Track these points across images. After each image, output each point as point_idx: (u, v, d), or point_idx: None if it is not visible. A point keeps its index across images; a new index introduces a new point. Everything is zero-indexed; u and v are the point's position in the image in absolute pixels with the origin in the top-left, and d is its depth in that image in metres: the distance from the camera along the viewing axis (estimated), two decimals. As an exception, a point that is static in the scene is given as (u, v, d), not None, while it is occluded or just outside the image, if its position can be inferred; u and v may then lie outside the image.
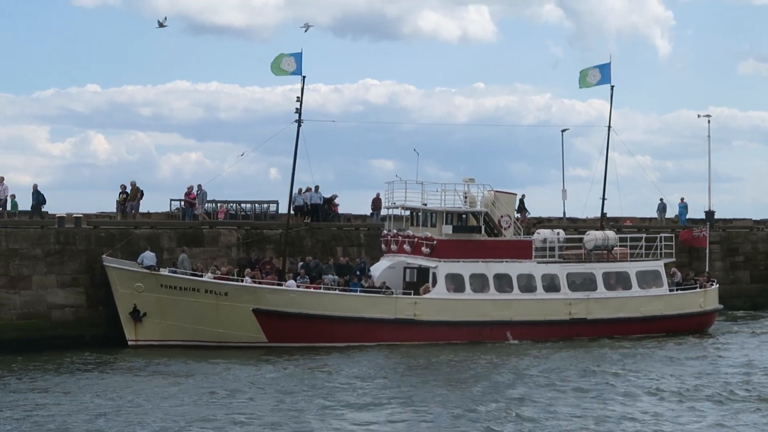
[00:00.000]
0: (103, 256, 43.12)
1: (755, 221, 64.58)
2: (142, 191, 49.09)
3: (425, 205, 46.30)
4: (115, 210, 49.36)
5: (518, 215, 57.91)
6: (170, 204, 51.32)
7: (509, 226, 46.53)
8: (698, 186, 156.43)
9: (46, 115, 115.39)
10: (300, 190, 50.69)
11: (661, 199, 61.36)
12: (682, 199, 61.42)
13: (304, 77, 46.35)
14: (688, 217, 60.54)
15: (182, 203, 50.18)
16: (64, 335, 42.56)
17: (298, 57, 46.24)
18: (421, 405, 30.88)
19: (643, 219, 61.62)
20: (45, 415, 29.24)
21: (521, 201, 59.09)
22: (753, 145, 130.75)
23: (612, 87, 51.54)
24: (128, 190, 48.98)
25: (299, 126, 45.95)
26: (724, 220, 62.56)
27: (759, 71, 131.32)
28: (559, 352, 41.96)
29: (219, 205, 50.63)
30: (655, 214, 61.64)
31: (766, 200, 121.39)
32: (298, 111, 46.05)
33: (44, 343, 41.58)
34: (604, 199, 52.10)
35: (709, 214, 61.13)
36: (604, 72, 51.10)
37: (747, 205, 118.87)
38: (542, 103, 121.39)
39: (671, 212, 61.24)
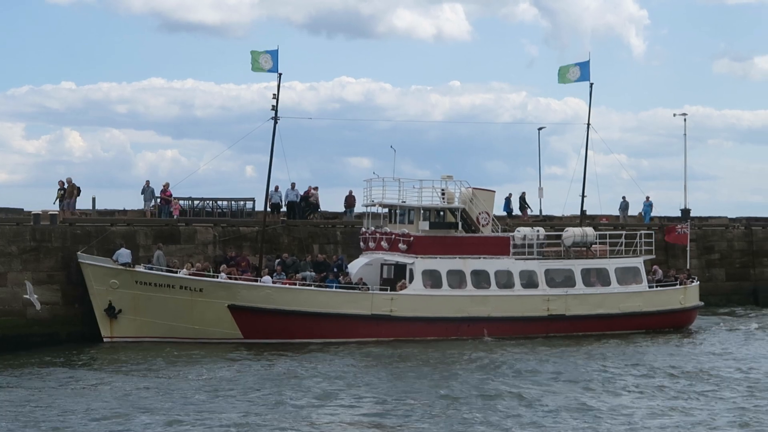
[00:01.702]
0: (79, 253, 43.00)
1: (730, 219, 64.43)
2: (79, 188, 48.65)
3: (403, 202, 46.25)
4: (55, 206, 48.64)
5: (519, 213, 58.42)
6: (155, 201, 50.84)
7: (487, 223, 46.47)
8: (674, 184, 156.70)
9: (21, 113, 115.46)
10: (276, 188, 50.62)
11: (624, 198, 61.64)
12: (647, 198, 61.48)
13: (280, 74, 46.44)
14: (663, 215, 60.43)
15: (158, 200, 50.13)
16: (39, 333, 42.57)
17: (274, 54, 46.26)
18: (393, 400, 30.81)
19: (618, 217, 61.53)
20: (16, 411, 29.11)
21: (522, 198, 59.48)
22: (728, 143, 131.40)
23: (591, 84, 51.51)
24: (66, 186, 48.53)
25: (275, 123, 45.97)
26: (700, 218, 62.47)
27: (733, 70, 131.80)
28: (536, 348, 41.81)
29: (173, 201, 50.04)
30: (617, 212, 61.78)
31: (741, 198, 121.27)
32: (275, 108, 46.06)
33: (19, 340, 41.53)
34: (583, 196, 52.08)
35: (685, 212, 60.98)
36: (584, 69, 50.97)
37: (722, 204, 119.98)
38: (518, 101, 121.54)
39: (633, 210, 61.44)
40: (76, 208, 48.56)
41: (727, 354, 41.13)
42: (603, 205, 59.10)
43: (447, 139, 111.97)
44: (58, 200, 48.28)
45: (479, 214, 46.26)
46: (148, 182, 51.32)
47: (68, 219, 46.08)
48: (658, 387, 33.26)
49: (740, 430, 27.52)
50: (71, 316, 43.47)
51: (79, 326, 43.20)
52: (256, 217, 50.44)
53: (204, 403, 30.27)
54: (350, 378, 34.79)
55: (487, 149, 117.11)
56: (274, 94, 46.09)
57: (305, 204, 52.18)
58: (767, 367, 37.45)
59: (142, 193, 51.66)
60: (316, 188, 53.56)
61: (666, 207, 58.75)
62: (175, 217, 48.89)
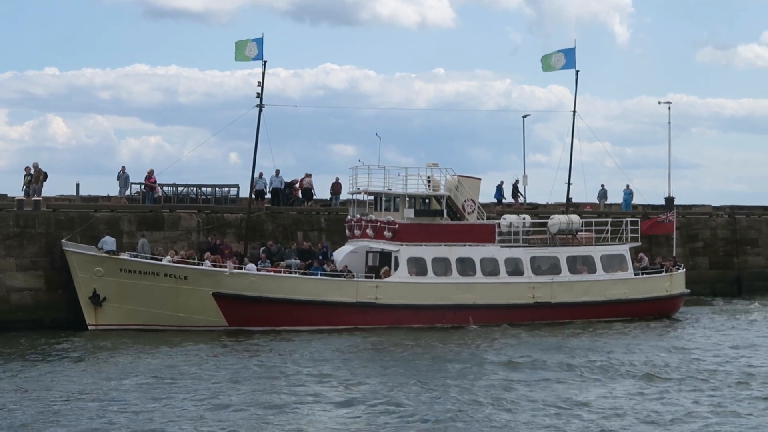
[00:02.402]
0: (63, 240, 43.18)
1: (714, 207, 65.02)
2: (45, 173, 48.50)
3: (389, 189, 46.53)
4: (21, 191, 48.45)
5: (512, 200, 58.70)
6: (130, 188, 51.37)
7: (473, 211, 46.76)
8: (658, 172, 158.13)
9: (4, 99, 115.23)
10: (261, 175, 50.81)
11: (602, 186, 62.27)
12: (627, 186, 61.86)
13: (265, 62, 46.92)
14: (647, 203, 61.01)
15: (142, 187, 50.32)
16: (23, 318, 43.12)
17: (259, 42, 46.71)
18: (377, 387, 31.07)
19: (609, 205, 62.08)
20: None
21: (515, 186, 59.77)
22: (712, 132, 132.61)
23: (577, 72, 51.69)
24: (32, 172, 48.43)
25: (260, 110, 46.33)
26: (684, 207, 62.98)
27: (717, 59, 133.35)
28: (520, 335, 42.19)
29: (156, 188, 50.27)
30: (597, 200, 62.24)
31: (724, 187, 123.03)
32: (260, 96, 46.40)
33: (3, 326, 41.90)
34: (569, 184, 52.57)
35: (669, 200, 61.72)
36: (569, 56, 51.04)
37: (706, 192, 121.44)
38: (502, 89, 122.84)
39: (613, 198, 62.06)
40: (42, 194, 48.11)
41: (711, 341, 41.62)
42: (588, 192, 59.55)
43: (431, 126, 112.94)
44: (25, 186, 48.19)
45: (465, 201, 46.55)
46: (123, 168, 51.65)
47: (52, 205, 46.18)
48: (630, 373, 33.61)
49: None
50: (54, 302, 43.76)
51: (63, 312, 43.46)
52: (240, 203, 50.76)
53: (178, 390, 30.40)
54: (334, 365, 34.98)
55: (472, 137, 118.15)
56: (259, 82, 46.49)
57: (289, 191, 52.45)
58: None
59: (117, 179, 51.79)
60: (309, 175, 53.91)
61: (650, 195, 59.33)
62: (156, 196, 49.10)
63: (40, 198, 45.61)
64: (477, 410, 28.02)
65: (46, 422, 26.49)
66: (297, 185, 53.12)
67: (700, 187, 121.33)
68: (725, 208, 64.82)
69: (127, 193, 51.34)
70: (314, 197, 53.67)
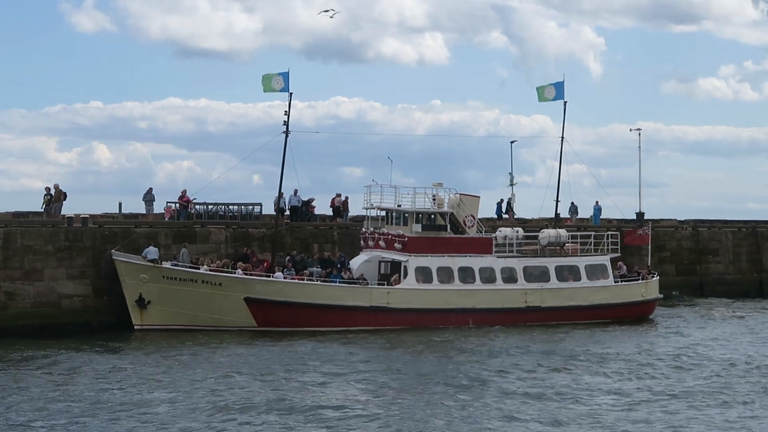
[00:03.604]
0: (112, 251, 46.87)
1: (679, 221, 69.24)
2: (65, 193, 51.47)
3: (399, 206, 50.16)
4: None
5: (506, 215, 62.43)
6: (166, 206, 55.09)
7: (473, 225, 50.42)
8: (629, 191, 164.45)
9: (54, 128, 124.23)
10: (281, 194, 53.91)
11: (572, 203, 65.74)
12: (596, 202, 65.57)
13: (291, 94, 50.80)
14: (621, 218, 64.54)
15: (177, 205, 54.13)
16: (73, 322, 46.43)
17: (285, 76, 50.55)
18: (387, 380, 34.97)
19: (581, 219, 65.87)
20: (60, 391, 33.09)
21: (508, 203, 63.51)
22: (676, 155, 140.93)
23: (565, 103, 56.17)
24: (52, 192, 51.28)
25: (287, 136, 50.31)
26: (653, 220, 65.97)
27: (679, 91, 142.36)
28: (513, 335, 46.12)
29: (190, 205, 54.19)
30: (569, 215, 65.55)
31: (688, 203, 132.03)
32: (286, 123, 50.33)
33: (56, 329, 45.44)
34: (557, 201, 56.22)
35: (640, 215, 64.82)
36: (558, 89, 55.73)
37: (672, 207, 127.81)
38: (492, 117, 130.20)
39: (583, 214, 65.61)
40: (62, 212, 51.11)
41: (683, 337, 46.57)
42: (565, 208, 63.48)
43: (429, 151, 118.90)
44: (45, 205, 50.74)
45: (465, 217, 50.15)
46: (150, 189, 55.98)
47: (98, 221, 50.00)
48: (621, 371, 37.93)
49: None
50: (101, 307, 47.43)
51: (108, 316, 47.18)
52: (263, 219, 54.58)
53: (221, 381, 34.61)
54: (350, 361, 38.90)
55: (465, 160, 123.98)
56: (285, 111, 50.35)
57: (306, 208, 56.31)
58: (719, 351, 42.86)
59: (143, 199, 55.86)
60: (339, 195, 58.13)
61: (623, 210, 63.04)
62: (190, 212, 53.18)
63: (87, 215, 49.28)
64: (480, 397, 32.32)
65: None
66: (317, 203, 57.07)
67: (666, 203, 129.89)
68: (689, 221, 69.12)
69: (154, 211, 55.17)
70: (347, 214, 57.30)
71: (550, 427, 28.51)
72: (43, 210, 50.96)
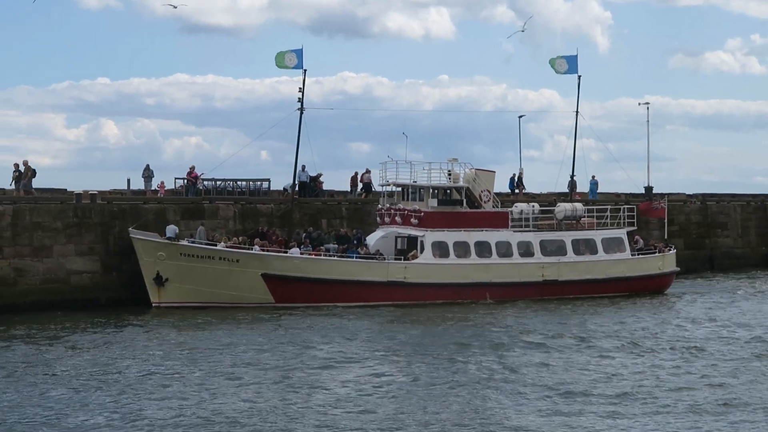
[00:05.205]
0: (130, 228, 46.50)
1: (688, 195, 69.41)
2: (34, 170, 50.53)
3: (414, 182, 49.99)
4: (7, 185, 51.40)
5: (516, 191, 61.98)
6: (174, 182, 54.99)
7: (489, 200, 50.22)
8: (637, 165, 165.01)
9: (62, 105, 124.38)
10: (303, 168, 54.30)
11: (572, 176, 64.05)
12: (593, 177, 65.24)
13: (305, 71, 50.69)
14: (629, 192, 64.50)
15: (185, 181, 53.88)
16: (82, 298, 46.38)
17: (299, 53, 50.34)
18: (405, 354, 34.94)
19: (578, 194, 64.76)
20: (68, 364, 33.00)
21: (519, 177, 62.96)
22: (684, 129, 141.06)
23: (579, 77, 55.82)
24: (21, 168, 50.20)
25: (301, 113, 50.18)
26: (661, 195, 65.22)
27: (686, 65, 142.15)
28: (532, 309, 46.12)
29: (185, 180, 54.02)
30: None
31: (696, 177, 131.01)
32: (300, 101, 50.21)
33: (64, 304, 45.35)
34: (573, 176, 56.17)
35: (648, 189, 65.16)
36: (572, 63, 55.34)
37: (680, 181, 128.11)
38: (499, 92, 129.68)
39: (581, 188, 64.87)
40: (32, 187, 50.34)
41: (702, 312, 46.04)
42: (559, 184, 63.30)
43: (437, 126, 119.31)
44: (13, 181, 49.98)
45: (481, 192, 49.93)
46: (147, 166, 55.67)
47: (106, 198, 49.46)
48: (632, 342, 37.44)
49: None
50: (110, 284, 47.21)
51: (117, 292, 46.93)
52: (271, 195, 54.27)
53: (236, 356, 34.31)
54: (367, 335, 38.78)
55: (473, 135, 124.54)
56: (300, 88, 50.47)
57: (314, 184, 55.77)
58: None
59: (142, 176, 55.31)
60: (369, 171, 57.68)
61: (631, 185, 62.88)
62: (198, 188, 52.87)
63: (96, 192, 48.81)
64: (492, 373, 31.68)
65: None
66: (324, 178, 56.62)
67: (674, 178, 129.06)
68: (698, 195, 69.29)
69: (152, 188, 54.78)
70: (372, 189, 56.71)
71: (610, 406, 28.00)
72: (12, 186, 50.28)
